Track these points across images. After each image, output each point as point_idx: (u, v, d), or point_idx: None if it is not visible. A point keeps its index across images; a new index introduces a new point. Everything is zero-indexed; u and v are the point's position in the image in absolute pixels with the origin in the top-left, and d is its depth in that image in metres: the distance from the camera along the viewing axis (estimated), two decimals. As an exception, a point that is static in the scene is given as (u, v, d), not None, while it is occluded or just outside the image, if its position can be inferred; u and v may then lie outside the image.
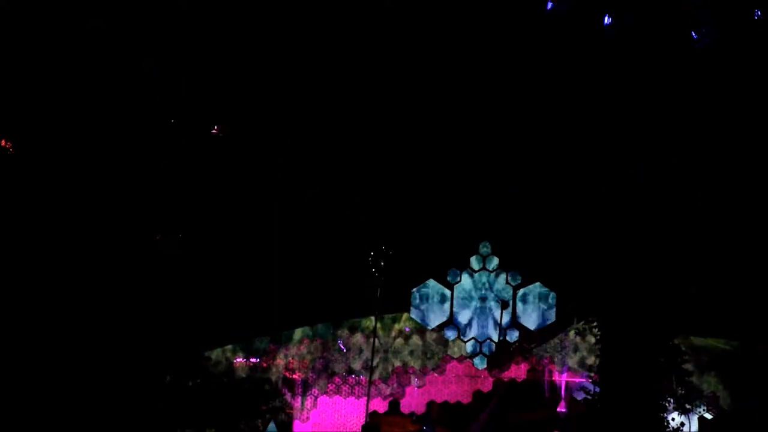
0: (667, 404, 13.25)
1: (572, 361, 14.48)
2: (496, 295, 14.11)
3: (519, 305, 14.30)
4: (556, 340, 14.53)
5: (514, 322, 14.29)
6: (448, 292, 14.51)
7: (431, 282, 14.53)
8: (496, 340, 14.27)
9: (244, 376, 14.68)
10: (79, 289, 12.42)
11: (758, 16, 10.40)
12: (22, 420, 11.83)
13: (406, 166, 13.75)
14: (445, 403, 15.14)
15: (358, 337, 14.74)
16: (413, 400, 15.25)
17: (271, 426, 13.87)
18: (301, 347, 14.84)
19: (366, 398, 14.43)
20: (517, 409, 15.32)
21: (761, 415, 13.50)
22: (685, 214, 13.06)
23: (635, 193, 13.05)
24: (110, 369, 12.31)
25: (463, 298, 14.45)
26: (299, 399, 14.92)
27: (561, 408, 14.86)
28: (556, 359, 14.57)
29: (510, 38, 11.65)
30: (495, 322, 14.25)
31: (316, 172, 13.84)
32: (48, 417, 12.00)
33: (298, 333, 14.85)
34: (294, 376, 14.93)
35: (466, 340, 14.44)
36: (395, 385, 15.03)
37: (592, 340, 13.96)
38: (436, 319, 14.53)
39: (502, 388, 15.02)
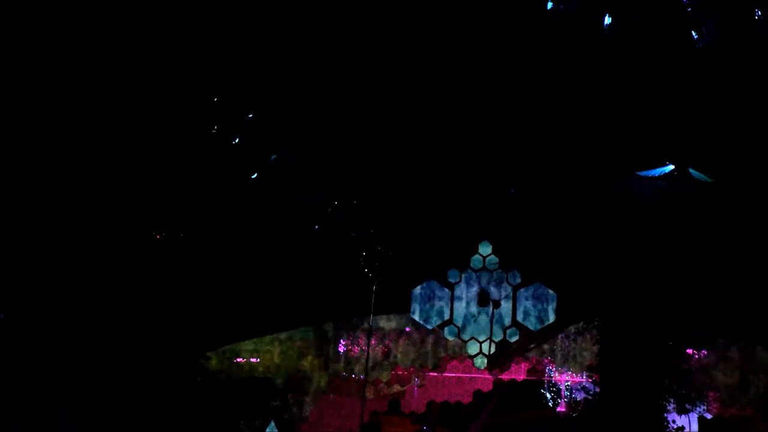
0: (667, 404, 13.24)
1: (572, 361, 14.47)
2: (492, 296, 14.10)
3: (519, 305, 14.29)
4: (556, 340, 14.52)
5: (515, 322, 14.27)
6: (448, 292, 14.51)
7: (431, 282, 14.53)
8: (496, 340, 14.26)
9: (244, 376, 14.70)
10: (79, 289, 12.43)
11: (758, 16, 10.36)
12: (22, 419, 11.84)
13: (407, 166, 13.74)
14: (445, 403, 15.17)
15: (359, 337, 14.76)
16: (413, 400, 15.27)
17: (271, 426, 13.88)
18: (302, 347, 14.87)
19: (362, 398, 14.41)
20: (517, 409, 15.35)
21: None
22: (686, 214, 13.05)
23: (636, 194, 13.05)
24: (110, 369, 12.33)
25: (463, 298, 14.44)
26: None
27: (561, 408, 14.88)
28: (556, 359, 14.56)
29: (510, 38, 11.63)
30: (495, 322, 14.25)
31: (316, 170, 13.83)
32: (48, 416, 12.01)
33: (298, 333, 14.88)
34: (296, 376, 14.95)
35: (466, 340, 14.42)
36: (395, 385, 15.05)
37: (592, 340, 13.97)
38: (436, 319, 14.52)
39: (502, 388, 15.04)
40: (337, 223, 13.87)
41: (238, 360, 14.86)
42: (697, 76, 11.60)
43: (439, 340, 14.71)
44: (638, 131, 12.56)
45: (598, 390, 13.33)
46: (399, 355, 14.87)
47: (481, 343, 14.32)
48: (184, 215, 12.82)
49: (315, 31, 11.54)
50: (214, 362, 14.48)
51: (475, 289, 14.41)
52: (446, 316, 14.46)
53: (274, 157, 13.28)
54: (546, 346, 14.58)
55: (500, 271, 14.43)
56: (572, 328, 14.43)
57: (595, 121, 12.67)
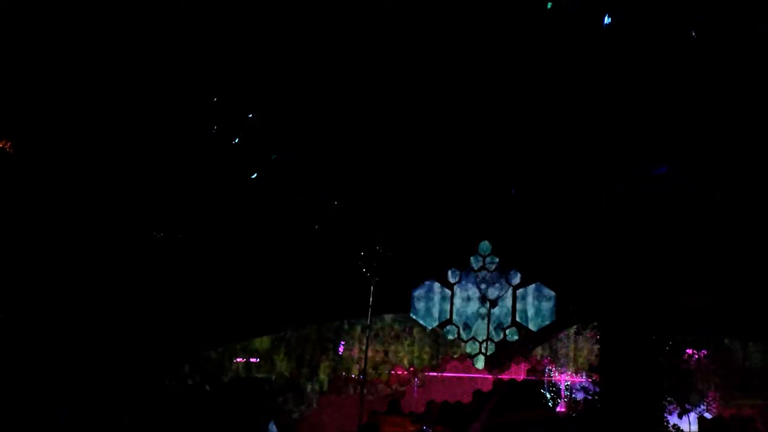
0: (667, 404, 13.25)
1: (572, 361, 14.48)
2: (492, 296, 14.08)
3: (519, 305, 14.29)
4: (556, 340, 14.53)
5: (514, 322, 14.26)
6: (448, 292, 14.51)
7: (431, 282, 14.52)
8: (496, 340, 14.25)
9: (244, 376, 14.71)
10: (79, 288, 12.43)
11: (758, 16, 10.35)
12: (22, 419, 11.84)
13: (406, 165, 13.74)
14: (445, 403, 15.15)
15: (359, 337, 14.77)
16: (413, 400, 15.27)
17: (271, 426, 13.88)
18: (302, 347, 14.87)
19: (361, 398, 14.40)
20: (517, 409, 15.31)
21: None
22: (687, 214, 13.05)
23: (636, 194, 13.05)
24: (109, 369, 12.32)
25: (463, 298, 14.44)
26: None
27: (561, 408, 14.88)
28: (556, 359, 14.57)
29: (509, 38, 11.63)
30: (495, 322, 14.25)
31: (316, 170, 13.83)
32: (48, 416, 12.00)
33: (298, 333, 14.89)
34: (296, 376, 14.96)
35: (466, 340, 14.42)
36: (395, 385, 15.05)
37: (592, 340, 13.98)
38: (436, 319, 14.52)
39: (502, 388, 15.02)
40: (337, 223, 13.87)
41: (238, 360, 14.87)
42: (697, 76, 11.60)
43: (439, 340, 14.71)
44: (638, 131, 12.55)
45: (598, 390, 13.33)
46: (399, 355, 14.87)
47: (481, 343, 14.32)
48: (184, 215, 12.82)
49: (315, 31, 11.54)
50: (214, 362, 14.49)
51: (474, 288, 14.40)
52: (446, 316, 14.46)
53: (274, 157, 13.28)
54: (546, 346, 14.58)
55: (500, 271, 14.42)
56: (572, 328, 14.43)
57: (595, 121, 12.66)
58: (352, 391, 14.96)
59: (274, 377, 14.73)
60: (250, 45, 11.84)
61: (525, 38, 11.51)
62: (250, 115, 12.85)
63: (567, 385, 15.08)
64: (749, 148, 12.44)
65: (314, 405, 14.94)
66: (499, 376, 14.82)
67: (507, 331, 14.28)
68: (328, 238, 13.86)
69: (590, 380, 13.72)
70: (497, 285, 14.40)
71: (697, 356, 13.87)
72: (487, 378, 14.95)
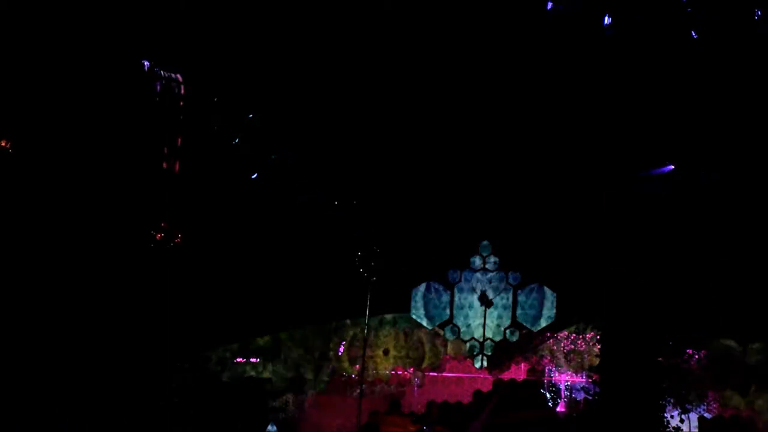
0: (667, 404, 13.25)
1: (572, 361, 14.47)
2: (492, 296, 14.09)
3: (519, 305, 14.30)
4: (556, 340, 14.52)
5: (515, 322, 14.28)
6: (448, 292, 14.51)
7: (431, 282, 14.53)
8: (496, 340, 14.26)
9: (244, 376, 14.70)
10: (80, 288, 12.43)
11: (758, 16, 10.36)
12: (19, 418, 11.84)
13: (406, 164, 13.75)
14: (445, 403, 15.16)
15: (359, 338, 14.77)
16: (413, 400, 15.27)
17: (271, 426, 13.88)
18: (302, 347, 14.87)
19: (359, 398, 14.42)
20: (517, 409, 15.33)
21: None
22: (686, 214, 13.06)
23: (636, 194, 13.05)
24: (109, 369, 12.32)
25: (463, 299, 14.45)
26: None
27: (561, 408, 14.87)
28: (555, 359, 14.56)
29: (509, 38, 11.64)
30: (495, 322, 14.26)
31: (316, 170, 13.83)
32: (48, 417, 12.01)
33: (298, 333, 14.88)
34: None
35: (466, 340, 14.42)
36: (395, 385, 15.04)
37: (593, 340, 13.97)
38: (436, 319, 14.52)
39: (502, 388, 15.03)
40: (337, 223, 13.87)
41: (238, 360, 14.86)
42: (697, 76, 11.61)
43: (439, 340, 14.70)
44: (638, 131, 12.56)
45: (598, 390, 13.33)
46: (399, 355, 14.87)
47: (481, 343, 14.32)
48: (185, 215, 12.82)
49: (315, 31, 11.54)
50: (214, 362, 14.49)
51: (474, 289, 14.41)
52: (446, 316, 14.46)
53: (274, 156, 13.29)
54: (546, 346, 14.57)
55: (500, 271, 14.42)
56: (572, 328, 14.42)
57: (596, 121, 12.67)
58: (351, 391, 14.95)
59: (274, 377, 14.72)
60: (250, 45, 11.85)
61: (525, 38, 11.52)
62: (251, 115, 12.86)
63: (567, 385, 15.09)
64: (749, 148, 12.45)
65: (314, 405, 14.94)
66: (499, 376, 14.82)
67: (507, 331, 14.30)
68: (327, 238, 13.85)
69: (590, 380, 13.70)
70: (497, 285, 14.42)
71: (697, 356, 13.86)
72: (487, 378, 14.95)
